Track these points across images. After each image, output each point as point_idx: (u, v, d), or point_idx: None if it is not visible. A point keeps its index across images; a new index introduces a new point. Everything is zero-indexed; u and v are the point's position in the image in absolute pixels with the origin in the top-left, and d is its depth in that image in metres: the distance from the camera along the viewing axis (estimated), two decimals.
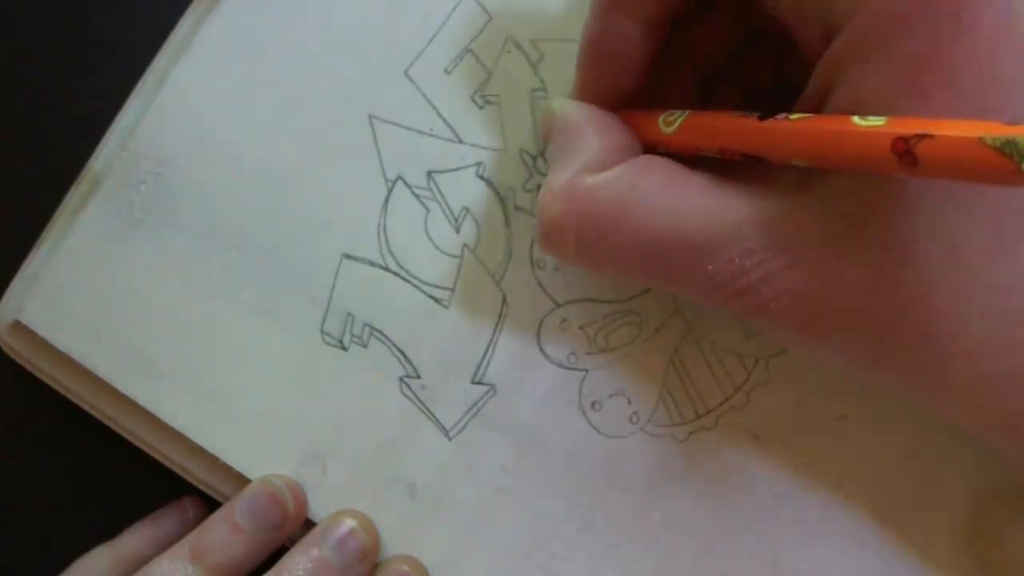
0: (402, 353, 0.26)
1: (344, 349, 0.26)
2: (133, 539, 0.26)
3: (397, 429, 0.25)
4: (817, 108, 0.18)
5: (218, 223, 0.26)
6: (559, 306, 0.25)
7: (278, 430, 0.25)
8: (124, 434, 0.26)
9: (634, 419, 0.25)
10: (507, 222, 0.26)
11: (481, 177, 0.26)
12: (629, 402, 0.25)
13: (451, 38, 0.26)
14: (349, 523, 0.25)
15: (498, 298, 0.25)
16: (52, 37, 0.28)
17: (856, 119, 0.16)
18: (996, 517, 0.24)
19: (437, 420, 0.25)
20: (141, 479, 0.27)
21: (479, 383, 0.25)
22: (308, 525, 0.25)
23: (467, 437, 0.25)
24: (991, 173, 0.14)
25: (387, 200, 0.26)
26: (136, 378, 0.25)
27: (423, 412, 0.26)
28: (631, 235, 0.20)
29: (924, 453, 0.25)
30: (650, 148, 0.22)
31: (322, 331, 0.26)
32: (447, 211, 0.26)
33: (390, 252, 0.26)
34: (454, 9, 0.26)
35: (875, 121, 0.16)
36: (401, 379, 0.26)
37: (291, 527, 0.25)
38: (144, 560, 0.25)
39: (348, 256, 0.26)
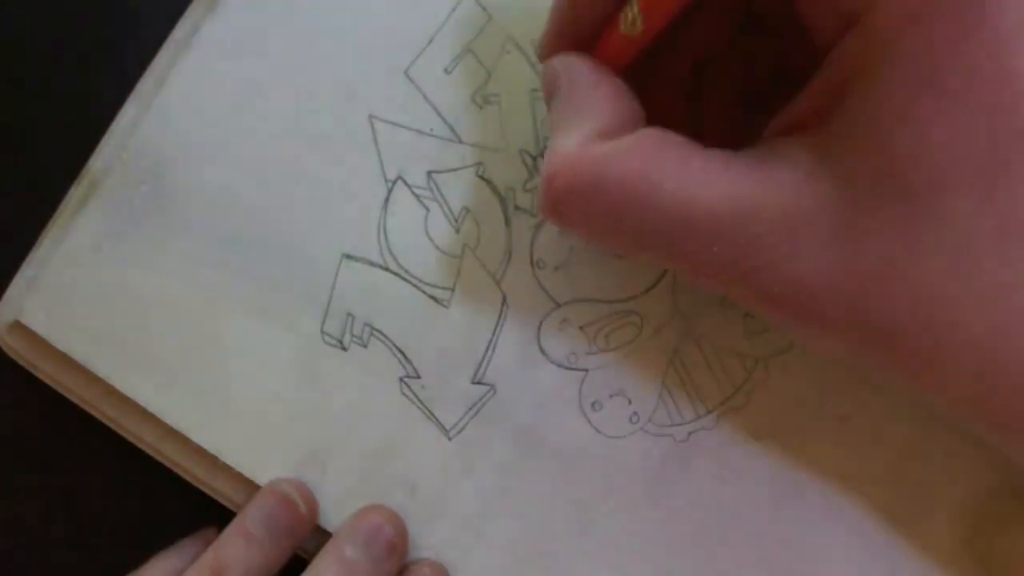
0: (402, 353, 0.26)
1: (344, 349, 0.26)
2: (154, 571, 0.26)
3: (397, 429, 0.26)
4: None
5: (218, 223, 0.26)
6: (559, 306, 0.25)
7: (278, 430, 0.25)
8: (124, 434, 0.26)
9: (634, 419, 0.25)
10: (507, 222, 0.26)
11: (481, 177, 0.26)
12: (629, 402, 0.25)
13: (451, 38, 0.26)
14: (375, 519, 0.25)
15: (498, 298, 0.25)
16: (52, 37, 0.28)
17: None
18: (996, 517, 0.24)
19: (437, 420, 0.25)
20: (141, 479, 0.27)
21: (479, 383, 0.25)
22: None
23: (467, 437, 0.25)
24: None
25: (387, 200, 0.26)
26: (136, 378, 0.25)
27: (423, 412, 0.26)
28: (641, 209, 0.19)
29: (924, 453, 0.25)
30: (617, 67, 0.21)
31: (322, 331, 0.26)
32: (447, 211, 0.26)
33: (390, 252, 0.26)
34: (454, 9, 0.26)
35: None
36: (401, 379, 0.26)
37: (305, 528, 0.25)
38: None
39: (348, 256, 0.26)
